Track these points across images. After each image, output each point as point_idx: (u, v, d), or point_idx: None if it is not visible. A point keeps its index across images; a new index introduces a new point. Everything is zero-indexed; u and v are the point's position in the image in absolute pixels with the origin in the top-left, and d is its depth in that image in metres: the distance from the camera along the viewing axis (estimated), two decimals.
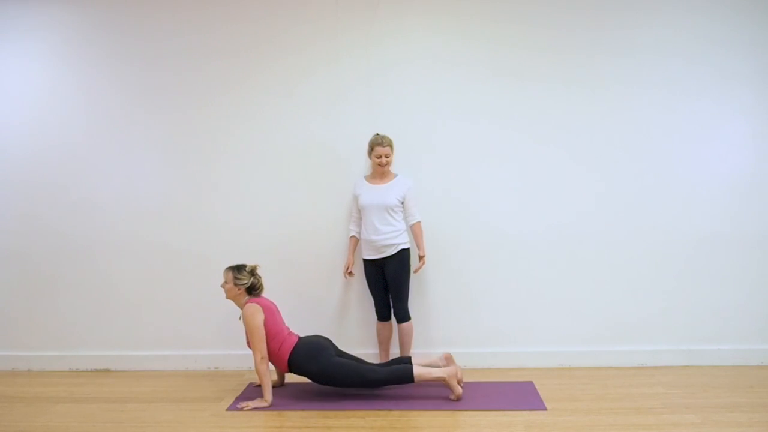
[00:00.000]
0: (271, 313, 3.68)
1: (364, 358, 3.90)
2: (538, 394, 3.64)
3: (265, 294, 3.81)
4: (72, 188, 4.44)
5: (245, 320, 3.63)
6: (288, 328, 3.77)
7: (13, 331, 4.51)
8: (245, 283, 3.70)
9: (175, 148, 4.38)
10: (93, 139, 4.42)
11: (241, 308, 3.72)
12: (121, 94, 4.40)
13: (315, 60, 4.28)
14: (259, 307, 3.64)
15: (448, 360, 3.75)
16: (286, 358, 3.64)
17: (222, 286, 3.75)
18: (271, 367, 3.85)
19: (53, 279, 4.47)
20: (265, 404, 3.55)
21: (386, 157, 3.97)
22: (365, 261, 4.06)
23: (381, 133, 4.05)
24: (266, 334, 3.62)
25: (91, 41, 4.41)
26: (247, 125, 4.33)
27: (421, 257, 3.99)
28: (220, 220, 4.36)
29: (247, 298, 3.74)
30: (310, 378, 3.66)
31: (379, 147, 3.96)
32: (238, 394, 3.82)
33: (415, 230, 4.01)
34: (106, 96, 4.41)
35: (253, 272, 3.75)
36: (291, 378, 3.95)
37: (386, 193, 3.97)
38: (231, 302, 3.80)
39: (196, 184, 4.37)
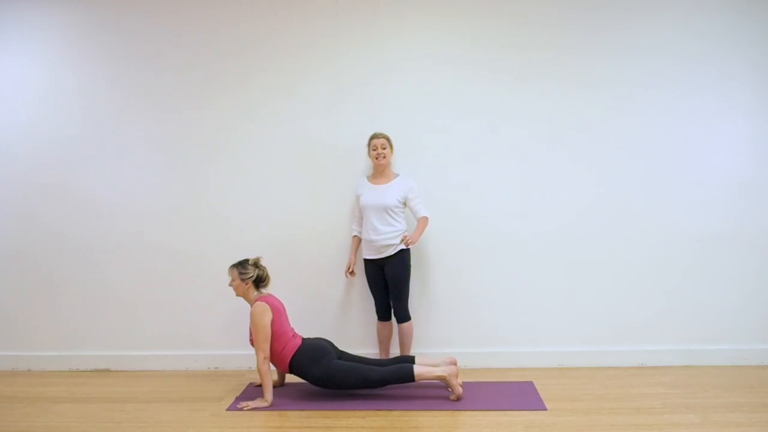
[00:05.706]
0: (278, 313, 3.67)
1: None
2: (538, 394, 3.64)
3: (269, 290, 3.81)
4: (72, 188, 4.44)
5: (252, 318, 3.62)
6: (293, 330, 3.76)
7: (13, 331, 4.51)
8: (251, 276, 3.70)
9: (175, 148, 4.38)
10: (93, 139, 4.42)
11: (251, 304, 3.71)
12: (121, 94, 4.40)
13: (315, 60, 4.28)
14: (267, 307, 3.63)
15: (452, 363, 3.72)
16: (288, 360, 3.64)
17: (230, 285, 3.75)
18: (272, 366, 3.85)
19: (53, 279, 4.47)
20: (266, 404, 3.54)
21: (382, 148, 3.97)
22: (365, 261, 4.06)
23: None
24: (271, 335, 3.62)
25: (91, 41, 4.41)
26: (247, 125, 4.33)
27: (404, 238, 3.89)
28: (220, 220, 4.36)
29: (256, 293, 3.73)
30: (310, 381, 3.65)
31: (375, 139, 3.99)
32: (238, 394, 3.81)
33: (418, 222, 3.96)
34: (105, 95, 4.41)
35: (257, 264, 3.75)
36: (291, 378, 3.95)
37: (386, 193, 3.97)
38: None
39: (196, 183, 4.37)
